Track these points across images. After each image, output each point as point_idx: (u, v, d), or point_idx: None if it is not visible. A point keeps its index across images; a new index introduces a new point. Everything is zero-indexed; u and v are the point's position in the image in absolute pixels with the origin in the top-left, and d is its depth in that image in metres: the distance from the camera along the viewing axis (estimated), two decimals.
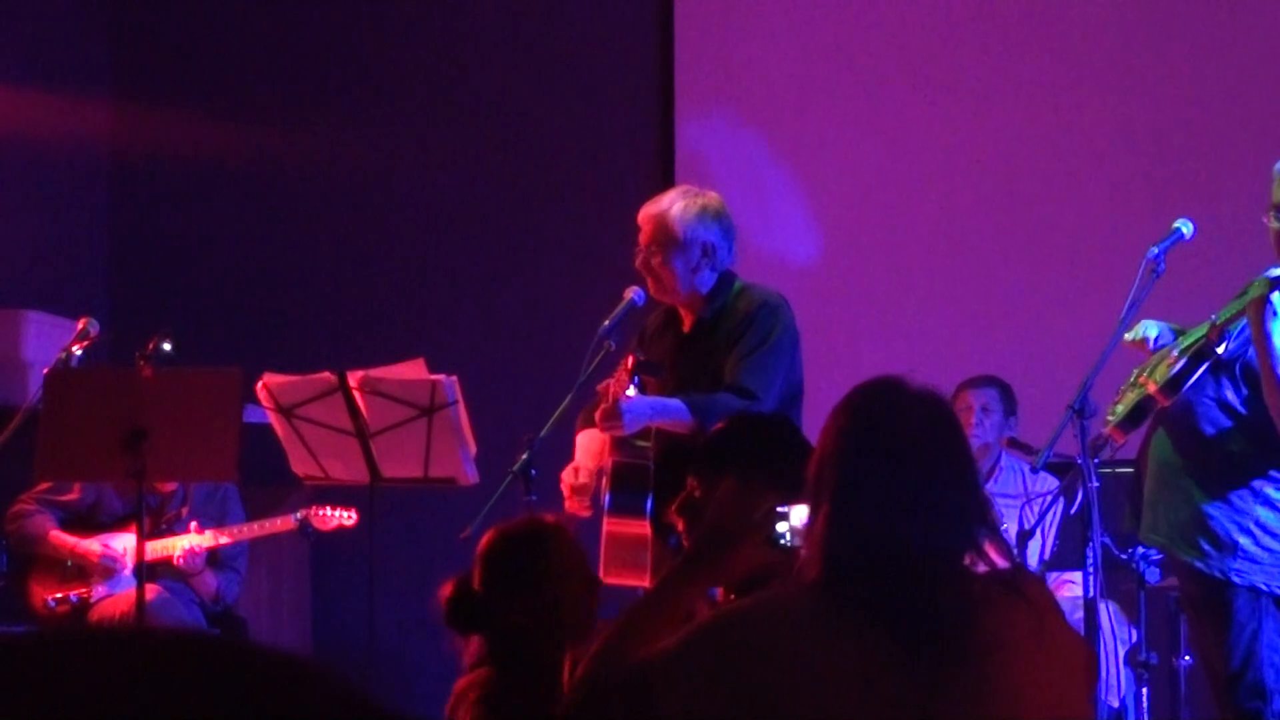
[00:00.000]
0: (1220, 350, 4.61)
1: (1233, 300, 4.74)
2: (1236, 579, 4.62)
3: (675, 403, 4.76)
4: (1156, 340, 4.85)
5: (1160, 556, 5.25)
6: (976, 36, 7.53)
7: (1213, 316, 4.73)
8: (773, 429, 3.51)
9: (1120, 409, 4.81)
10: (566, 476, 4.98)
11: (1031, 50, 7.45)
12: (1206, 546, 4.64)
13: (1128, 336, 4.87)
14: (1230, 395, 4.65)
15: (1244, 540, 4.62)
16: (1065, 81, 7.38)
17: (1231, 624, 4.63)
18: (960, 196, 7.48)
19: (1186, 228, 4.89)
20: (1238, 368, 4.65)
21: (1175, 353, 4.71)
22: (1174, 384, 4.64)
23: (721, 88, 7.80)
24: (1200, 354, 4.62)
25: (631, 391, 4.75)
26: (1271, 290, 4.50)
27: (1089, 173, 7.34)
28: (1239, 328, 4.62)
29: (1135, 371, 4.90)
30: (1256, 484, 4.64)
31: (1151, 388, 4.68)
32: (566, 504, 4.98)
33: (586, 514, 4.90)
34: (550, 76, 8.05)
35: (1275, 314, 4.49)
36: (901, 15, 7.61)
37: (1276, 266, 4.69)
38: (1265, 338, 4.51)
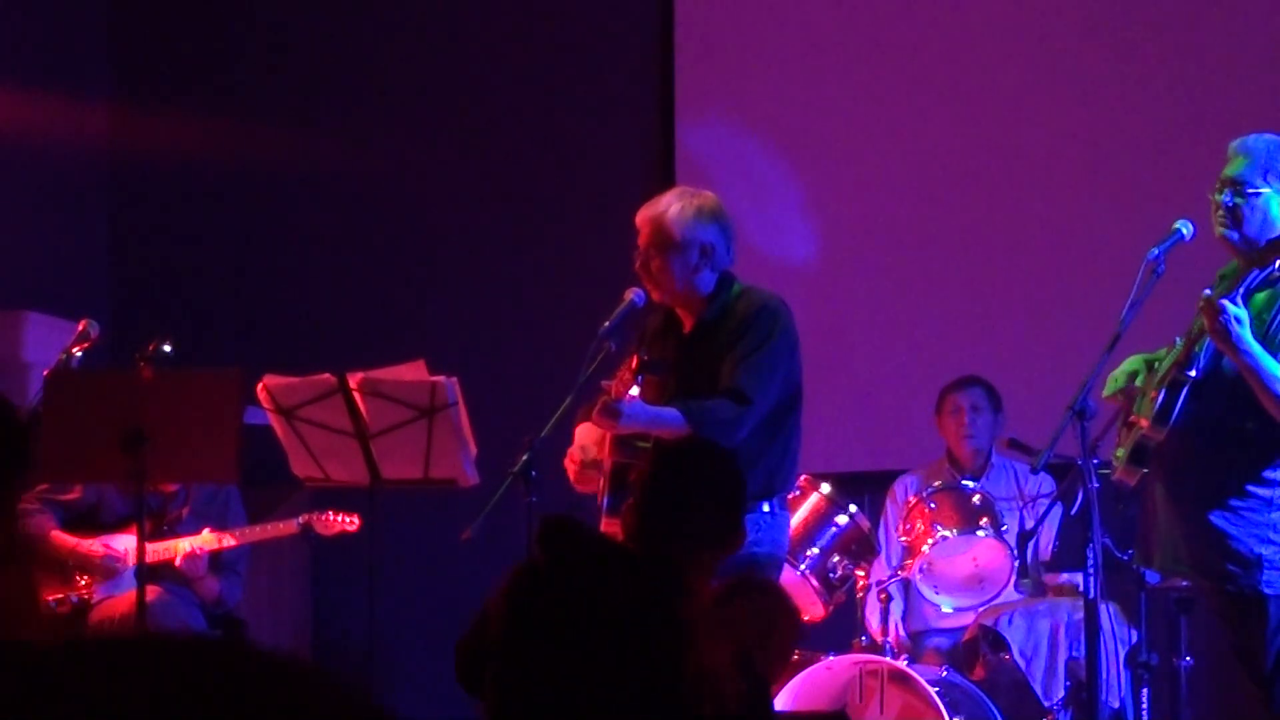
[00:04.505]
0: (1192, 374, 4.62)
1: (1197, 316, 4.76)
2: (1268, 590, 4.62)
3: (671, 412, 4.77)
4: (1131, 375, 4.87)
5: (1186, 584, 5.27)
6: (977, 37, 7.53)
7: (1176, 340, 4.74)
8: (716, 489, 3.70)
9: (1122, 452, 4.82)
10: (572, 455, 5.00)
11: (1031, 50, 7.45)
12: (1232, 568, 4.64)
13: (1105, 393, 4.88)
14: (1218, 411, 4.65)
15: (1266, 550, 4.62)
16: (1066, 82, 7.38)
17: (1266, 630, 4.64)
18: (960, 197, 7.48)
19: (1186, 228, 4.89)
20: (1216, 382, 4.65)
21: (1154, 387, 4.72)
22: (1161, 418, 4.64)
23: (721, 88, 7.80)
24: (1176, 383, 4.63)
25: (634, 391, 4.75)
26: (1223, 298, 4.50)
27: (1089, 173, 7.34)
28: (1204, 346, 4.62)
29: (1121, 411, 4.92)
30: (1261, 491, 4.65)
31: (1144, 423, 4.69)
32: (574, 482, 4.99)
33: (594, 489, 4.93)
34: (551, 78, 8.05)
35: (1240, 321, 4.49)
36: (901, 16, 7.61)
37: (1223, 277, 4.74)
38: (1241, 350, 4.50)
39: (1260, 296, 4.60)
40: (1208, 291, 4.58)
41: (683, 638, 3.33)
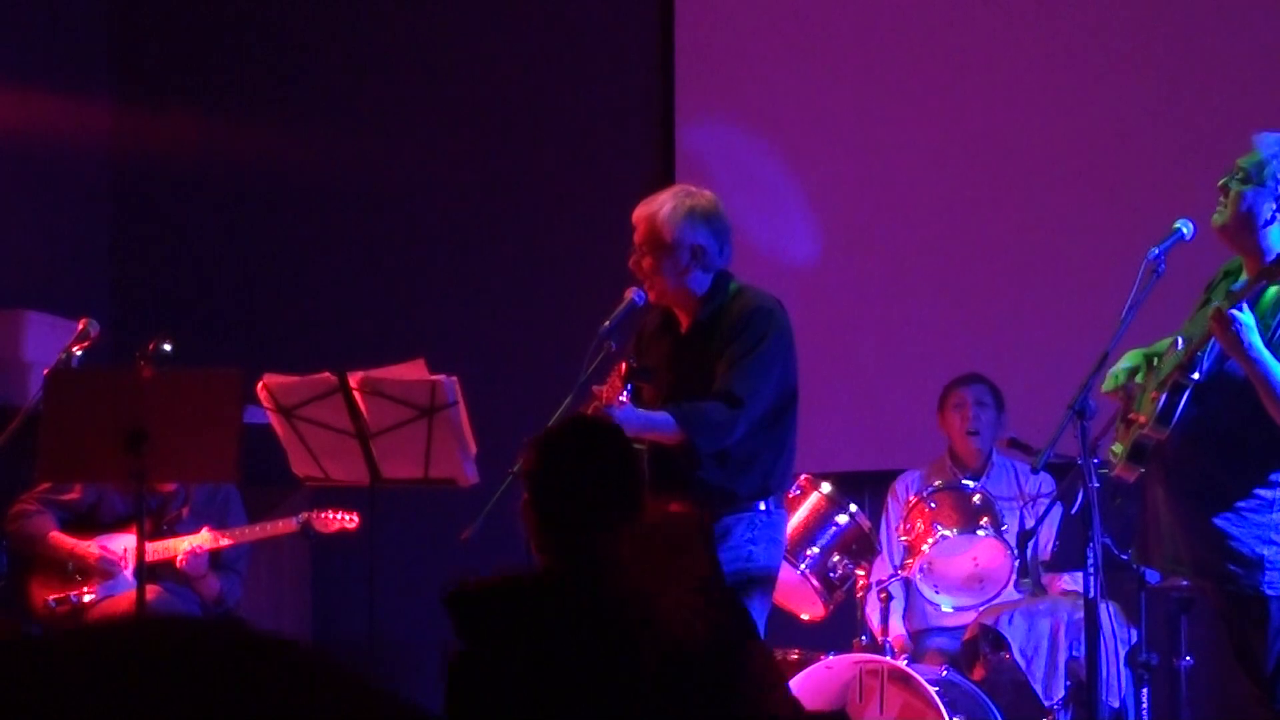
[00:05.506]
0: (1195, 376, 4.63)
1: (1195, 314, 4.75)
2: (1270, 591, 4.62)
3: (663, 416, 4.77)
4: (1131, 371, 4.87)
5: (1186, 584, 5.27)
6: (976, 37, 7.53)
7: (1178, 339, 4.74)
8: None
9: (1120, 448, 4.82)
10: None
11: (1031, 51, 7.45)
12: (1234, 569, 4.64)
13: (1105, 388, 4.88)
14: (1221, 413, 4.66)
15: (1268, 551, 4.62)
16: (1066, 82, 7.38)
17: (1267, 631, 4.64)
18: (959, 196, 7.48)
19: (1186, 228, 4.89)
20: (1220, 385, 4.65)
21: (1154, 386, 4.72)
22: (1163, 419, 4.65)
23: (721, 88, 7.80)
24: (1178, 386, 4.64)
25: (624, 398, 4.75)
26: (1232, 308, 4.50)
27: (1089, 173, 7.34)
28: (1209, 348, 4.62)
29: (1121, 408, 4.92)
30: (1263, 492, 4.65)
31: (1143, 420, 4.70)
32: None
33: None
34: (550, 77, 8.05)
35: (1251, 329, 4.50)
36: (901, 16, 7.61)
37: (1225, 276, 4.74)
38: (1252, 358, 4.50)
39: (1270, 293, 4.60)
40: (1216, 304, 4.58)
41: (609, 605, 3.31)
